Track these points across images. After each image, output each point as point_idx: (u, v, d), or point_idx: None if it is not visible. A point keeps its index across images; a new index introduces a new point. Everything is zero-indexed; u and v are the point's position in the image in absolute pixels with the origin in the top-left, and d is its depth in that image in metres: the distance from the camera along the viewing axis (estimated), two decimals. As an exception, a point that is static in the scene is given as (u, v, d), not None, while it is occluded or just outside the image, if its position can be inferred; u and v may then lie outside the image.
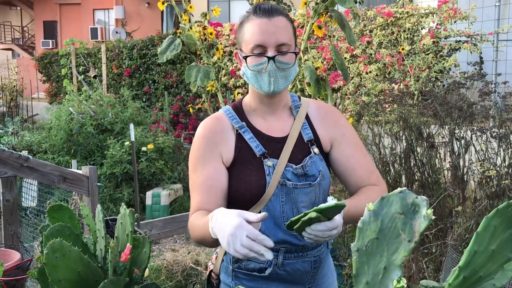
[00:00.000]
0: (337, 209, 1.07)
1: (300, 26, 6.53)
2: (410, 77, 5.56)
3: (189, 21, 2.65)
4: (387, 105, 3.70)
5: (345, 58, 6.44)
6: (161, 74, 9.19)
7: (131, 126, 4.98)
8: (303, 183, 1.36)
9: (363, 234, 0.81)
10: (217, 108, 2.05)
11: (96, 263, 1.16)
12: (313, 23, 2.40)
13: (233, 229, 1.05)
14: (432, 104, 3.27)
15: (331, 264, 1.54)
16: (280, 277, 1.39)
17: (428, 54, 5.75)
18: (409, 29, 6.01)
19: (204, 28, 2.71)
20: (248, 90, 1.45)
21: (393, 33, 6.15)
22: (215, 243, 1.19)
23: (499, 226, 0.73)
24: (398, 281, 0.77)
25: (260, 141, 1.39)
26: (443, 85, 5.47)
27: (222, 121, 1.43)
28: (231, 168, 1.38)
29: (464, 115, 3.02)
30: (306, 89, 2.52)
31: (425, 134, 3.20)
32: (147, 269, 1.27)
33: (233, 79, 7.85)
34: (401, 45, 5.88)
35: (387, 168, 3.34)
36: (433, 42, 5.78)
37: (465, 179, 2.93)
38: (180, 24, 2.66)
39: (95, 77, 8.89)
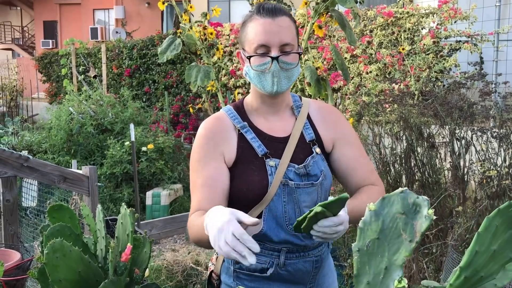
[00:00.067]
0: (340, 202, 1.06)
1: (300, 26, 6.52)
2: (410, 77, 5.56)
3: (189, 21, 2.66)
4: (387, 105, 3.70)
5: (346, 58, 6.44)
6: (161, 74, 9.19)
7: (131, 126, 4.98)
8: (305, 183, 1.36)
9: (364, 234, 0.81)
10: (217, 108, 2.05)
11: (96, 263, 1.16)
12: (313, 23, 2.40)
13: (221, 224, 1.05)
14: (432, 104, 3.27)
15: (331, 264, 1.54)
16: (282, 277, 1.39)
17: (428, 54, 5.74)
18: (409, 29, 6.01)
19: (204, 28, 2.71)
20: (248, 90, 1.45)
21: (393, 33, 6.15)
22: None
23: (501, 226, 0.73)
24: (399, 281, 0.77)
25: (262, 141, 1.39)
26: (444, 85, 5.46)
27: (223, 121, 1.42)
28: (233, 168, 1.38)
29: (464, 115, 3.01)
30: (306, 89, 2.52)
31: (426, 134, 3.20)
32: (147, 269, 1.27)
33: (233, 79, 7.85)
34: (401, 45, 5.87)
35: (388, 168, 3.35)
36: (434, 42, 5.77)
37: (466, 179, 2.93)
38: (180, 24, 2.66)
39: (95, 77, 8.88)
